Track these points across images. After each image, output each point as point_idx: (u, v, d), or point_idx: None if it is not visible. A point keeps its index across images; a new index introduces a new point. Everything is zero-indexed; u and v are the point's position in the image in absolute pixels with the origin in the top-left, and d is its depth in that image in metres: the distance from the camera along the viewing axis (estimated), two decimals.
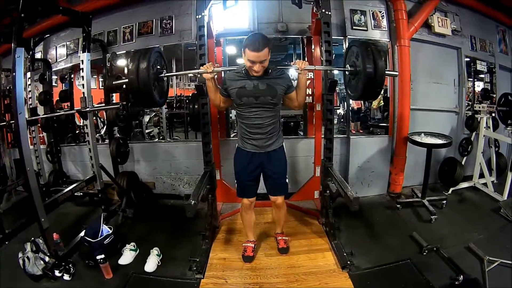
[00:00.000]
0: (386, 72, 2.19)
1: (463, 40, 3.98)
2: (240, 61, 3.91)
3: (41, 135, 4.07)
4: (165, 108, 4.46)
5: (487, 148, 3.79)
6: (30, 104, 3.74)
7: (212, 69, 2.06)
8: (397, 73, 2.37)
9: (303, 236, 2.76)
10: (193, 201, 2.04)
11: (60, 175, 3.96)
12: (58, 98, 4.04)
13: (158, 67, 2.22)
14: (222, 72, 2.78)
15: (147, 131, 4.38)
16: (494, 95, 4.60)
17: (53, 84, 4.22)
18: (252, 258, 2.43)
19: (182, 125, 4.71)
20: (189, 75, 2.42)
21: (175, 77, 3.77)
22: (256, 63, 1.90)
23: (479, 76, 4.58)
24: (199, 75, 2.43)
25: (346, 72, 2.36)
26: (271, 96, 2.04)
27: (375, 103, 4.83)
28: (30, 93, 3.76)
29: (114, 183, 3.27)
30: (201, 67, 2.12)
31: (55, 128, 3.90)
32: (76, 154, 3.98)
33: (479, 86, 4.77)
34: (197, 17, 2.58)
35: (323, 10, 2.53)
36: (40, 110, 3.92)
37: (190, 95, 3.79)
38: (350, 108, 5.15)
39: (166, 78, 2.33)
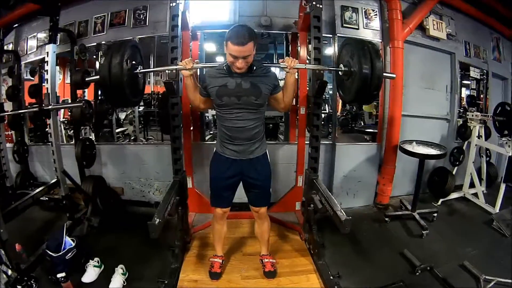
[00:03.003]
0: (384, 74, 1.78)
1: (458, 45, 3.57)
2: (219, 59, 3.40)
3: (8, 132, 3.53)
4: (142, 106, 3.98)
5: (478, 158, 3.43)
6: None
7: (191, 65, 1.69)
8: (394, 75, 1.95)
9: (284, 255, 2.31)
10: (157, 220, 1.64)
11: (27, 177, 3.42)
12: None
13: (134, 62, 1.80)
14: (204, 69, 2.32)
15: (120, 129, 3.86)
16: (480, 102, 4.27)
17: (28, 77, 3.69)
18: (219, 274, 2.09)
19: (159, 124, 4.20)
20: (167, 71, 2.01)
21: (153, 73, 3.26)
22: (239, 59, 1.58)
23: (464, 82, 4.20)
24: (168, 71, 1.96)
25: (339, 72, 1.93)
26: (255, 96, 1.71)
27: (366, 108, 4.39)
28: None
29: (78, 190, 2.75)
30: (179, 63, 1.74)
31: (22, 125, 3.36)
32: (43, 154, 3.43)
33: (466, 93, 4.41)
34: (171, 4, 2.12)
35: (314, 3, 2.08)
36: (9, 106, 3.40)
37: (161, 93, 3.27)
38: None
39: (141, 74, 1.92)
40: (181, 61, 1.75)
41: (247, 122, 1.74)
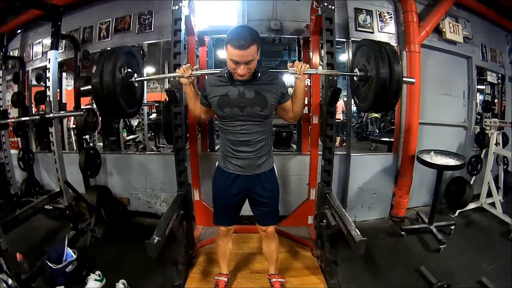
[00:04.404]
0: (404, 79, 1.56)
1: (474, 48, 3.32)
2: None
3: (13, 139, 3.41)
4: (154, 113, 3.83)
5: (495, 166, 3.19)
6: (0, 106, 3.08)
7: (189, 73, 1.50)
8: (414, 80, 1.74)
9: (294, 273, 2.10)
10: (156, 238, 1.50)
11: (33, 185, 3.29)
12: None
13: (129, 70, 1.65)
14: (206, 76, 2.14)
15: (132, 136, 3.70)
16: (495, 108, 4.01)
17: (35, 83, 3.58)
18: None
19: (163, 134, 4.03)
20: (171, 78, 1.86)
21: (166, 81, 3.12)
22: (241, 64, 1.37)
23: (478, 87, 3.96)
24: (171, 79, 1.78)
25: (354, 78, 1.73)
26: (260, 107, 1.49)
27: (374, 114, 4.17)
28: (0, 94, 3.11)
29: (81, 200, 2.60)
30: (176, 70, 1.55)
31: (27, 132, 3.24)
32: (49, 162, 3.29)
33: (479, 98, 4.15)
34: (173, 8, 1.94)
35: (325, 4, 1.89)
36: (14, 112, 3.29)
37: (164, 101, 3.11)
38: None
39: (137, 83, 1.75)
40: (178, 68, 1.56)
41: (252, 135, 1.54)
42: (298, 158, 2.90)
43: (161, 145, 3.88)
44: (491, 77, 3.56)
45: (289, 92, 1.60)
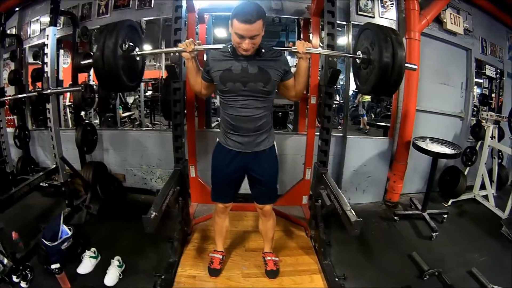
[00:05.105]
0: (406, 65, 1.56)
1: (474, 41, 3.32)
2: None
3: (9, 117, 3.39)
4: (150, 91, 3.83)
5: (489, 159, 3.22)
6: None
7: (192, 47, 1.50)
8: (416, 67, 1.74)
9: (289, 253, 2.14)
10: (153, 213, 1.49)
11: (28, 162, 3.28)
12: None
13: (131, 44, 1.63)
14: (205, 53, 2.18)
15: (127, 113, 3.70)
16: (492, 102, 4.05)
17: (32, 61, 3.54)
18: (219, 271, 1.94)
19: (161, 110, 4.05)
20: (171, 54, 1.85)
21: (164, 57, 3.08)
22: (246, 39, 1.37)
23: (476, 80, 3.98)
24: (171, 54, 1.78)
25: (357, 60, 1.72)
26: (263, 83, 1.50)
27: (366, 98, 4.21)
28: None
29: (77, 176, 2.60)
30: (179, 44, 1.55)
31: (23, 110, 3.21)
32: (45, 139, 3.29)
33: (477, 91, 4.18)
34: None
35: None
36: (11, 91, 3.26)
37: (162, 77, 3.07)
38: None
39: (139, 57, 1.74)
40: (180, 43, 1.56)
41: (254, 111, 1.54)
42: (294, 138, 2.92)
43: (157, 122, 3.90)
44: (489, 71, 3.58)
45: (292, 70, 1.61)
